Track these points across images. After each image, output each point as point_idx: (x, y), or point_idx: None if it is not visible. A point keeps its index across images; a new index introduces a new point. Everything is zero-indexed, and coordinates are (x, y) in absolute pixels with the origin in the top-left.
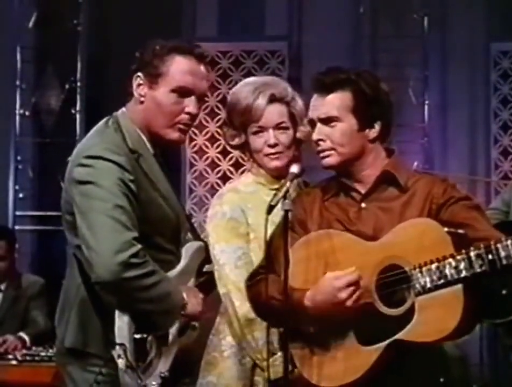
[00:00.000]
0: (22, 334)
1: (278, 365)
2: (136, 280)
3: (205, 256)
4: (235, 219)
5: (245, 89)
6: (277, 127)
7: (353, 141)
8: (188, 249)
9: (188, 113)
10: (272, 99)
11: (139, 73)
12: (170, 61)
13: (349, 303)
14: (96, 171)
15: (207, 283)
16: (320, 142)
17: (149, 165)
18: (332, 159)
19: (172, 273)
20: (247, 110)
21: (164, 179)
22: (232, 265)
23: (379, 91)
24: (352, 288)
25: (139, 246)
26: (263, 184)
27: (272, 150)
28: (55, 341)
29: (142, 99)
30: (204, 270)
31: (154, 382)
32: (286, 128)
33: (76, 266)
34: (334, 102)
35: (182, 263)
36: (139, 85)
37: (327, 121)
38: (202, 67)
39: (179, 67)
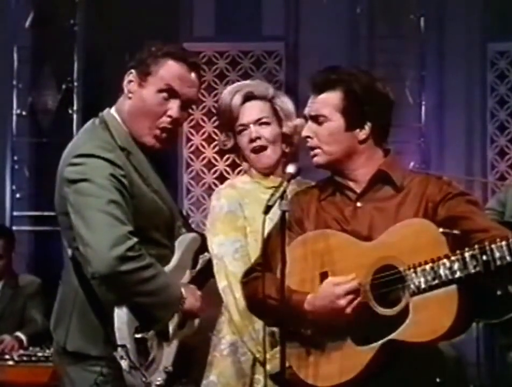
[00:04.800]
0: (19, 334)
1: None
2: (133, 273)
3: (199, 246)
4: (232, 212)
5: (225, 92)
6: (258, 122)
7: (339, 140)
8: (181, 242)
9: (169, 116)
10: (250, 96)
11: (132, 70)
12: (162, 62)
13: (348, 310)
14: (87, 168)
15: (202, 273)
16: (308, 139)
17: (138, 161)
18: (319, 159)
19: (168, 267)
20: (227, 111)
21: (154, 175)
22: (230, 257)
23: (373, 91)
24: (351, 296)
25: (135, 239)
26: (259, 182)
27: (255, 144)
28: (52, 341)
29: (130, 95)
30: (200, 258)
31: (159, 378)
32: (268, 123)
33: (73, 269)
34: (325, 101)
35: (176, 256)
36: (130, 81)
37: (316, 118)
38: (193, 76)
39: (169, 70)
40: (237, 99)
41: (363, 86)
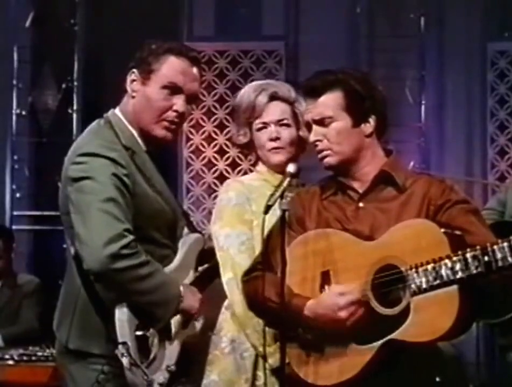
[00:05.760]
0: None
1: None
2: (127, 271)
3: (202, 247)
4: (240, 205)
5: (249, 89)
6: (279, 123)
7: (349, 138)
8: (185, 242)
9: (175, 111)
10: (274, 96)
11: (134, 70)
12: (164, 59)
13: (348, 323)
14: (90, 167)
15: (206, 275)
16: (318, 143)
17: (142, 161)
18: (331, 159)
19: (170, 267)
20: (250, 107)
21: (158, 175)
22: (236, 250)
23: (369, 86)
24: (352, 308)
25: (131, 237)
26: (267, 180)
27: (274, 144)
28: (47, 340)
29: (134, 94)
30: (199, 268)
31: (161, 377)
32: (288, 125)
33: (75, 269)
34: (327, 103)
35: (179, 256)
36: (133, 80)
37: (322, 121)
38: (194, 70)
39: (171, 66)
40: (263, 97)
41: (359, 82)
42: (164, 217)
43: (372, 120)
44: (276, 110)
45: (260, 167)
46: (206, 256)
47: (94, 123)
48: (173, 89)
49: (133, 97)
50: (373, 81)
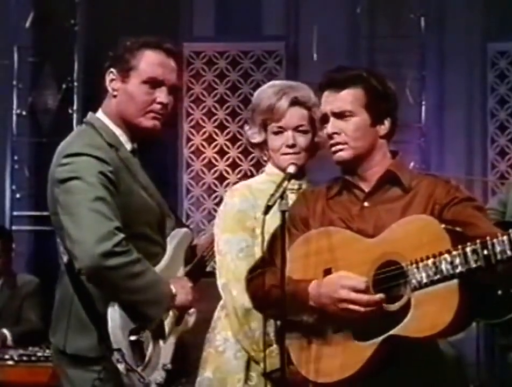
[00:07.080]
0: (4, 331)
1: (274, 357)
2: (120, 268)
3: (191, 241)
4: (243, 212)
5: (270, 90)
6: (297, 129)
7: (366, 135)
8: (173, 237)
9: (160, 103)
10: (295, 102)
11: (112, 69)
12: (140, 55)
13: (345, 305)
14: (77, 167)
15: (196, 269)
16: (335, 135)
17: (127, 158)
18: (345, 153)
19: (160, 266)
20: (269, 110)
21: (143, 172)
22: (234, 256)
23: (387, 88)
24: (353, 293)
25: (122, 235)
26: (276, 182)
27: (290, 151)
28: (48, 341)
29: (115, 93)
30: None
31: (158, 377)
32: (305, 132)
33: (67, 275)
34: (348, 97)
35: (168, 254)
36: (112, 80)
37: (341, 115)
38: (171, 61)
39: (149, 60)
40: (283, 102)
41: (380, 83)
42: (152, 213)
43: (387, 122)
44: (295, 116)
45: (269, 168)
46: (194, 251)
47: (76, 129)
48: (153, 83)
49: (115, 96)
50: (390, 84)
